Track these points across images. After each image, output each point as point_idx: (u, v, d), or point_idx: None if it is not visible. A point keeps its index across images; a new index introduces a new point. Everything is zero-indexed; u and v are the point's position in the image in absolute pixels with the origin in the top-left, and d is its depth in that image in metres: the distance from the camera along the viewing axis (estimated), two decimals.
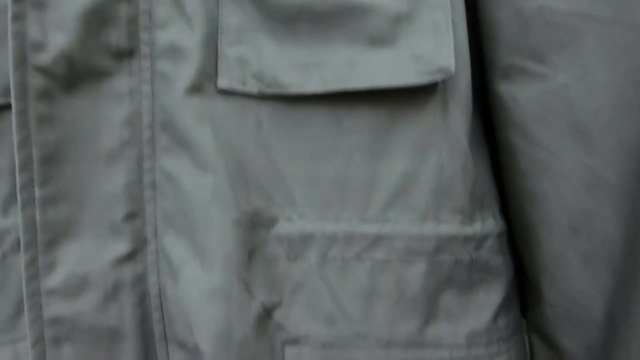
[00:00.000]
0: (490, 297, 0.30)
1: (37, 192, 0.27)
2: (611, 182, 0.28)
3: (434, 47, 0.27)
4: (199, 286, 0.28)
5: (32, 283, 0.27)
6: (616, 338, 0.29)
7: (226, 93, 0.29)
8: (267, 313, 0.29)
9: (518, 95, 0.29)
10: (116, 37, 0.28)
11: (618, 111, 0.27)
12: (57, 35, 0.27)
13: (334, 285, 0.29)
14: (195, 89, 0.28)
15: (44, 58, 0.27)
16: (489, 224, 0.31)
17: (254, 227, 0.29)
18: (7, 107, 0.29)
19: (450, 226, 0.29)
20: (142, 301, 0.29)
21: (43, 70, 0.27)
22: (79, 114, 0.28)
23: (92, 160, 0.28)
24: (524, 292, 0.35)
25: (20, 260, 0.28)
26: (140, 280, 0.29)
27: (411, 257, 0.29)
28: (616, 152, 0.27)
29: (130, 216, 0.29)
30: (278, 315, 0.29)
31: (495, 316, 0.30)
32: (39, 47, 0.27)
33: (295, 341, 0.29)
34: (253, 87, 0.28)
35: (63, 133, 0.27)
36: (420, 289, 0.29)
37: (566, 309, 0.30)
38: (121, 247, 0.29)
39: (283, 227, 0.29)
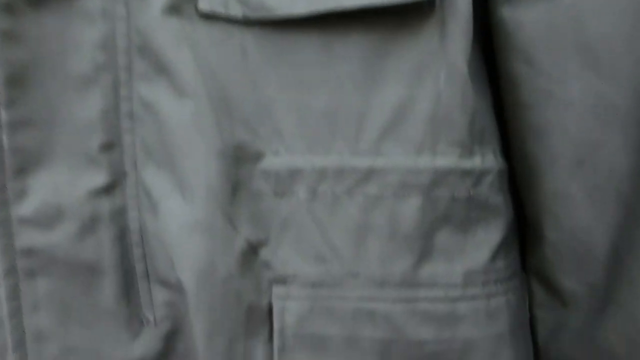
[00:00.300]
0: (488, 237, 0.29)
1: (4, 115, 0.25)
2: (620, 108, 0.26)
3: None
4: (180, 219, 0.26)
5: (2, 210, 0.26)
6: (621, 273, 0.27)
7: (208, 17, 0.26)
8: (252, 250, 0.28)
9: (522, 18, 0.27)
10: None
11: (630, 31, 0.25)
12: None
13: (324, 222, 0.28)
14: (174, 9, 0.26)
15: None
16: (488, 159, 0.29)
17: (239, 161, 0.27)
18: None
19: (447, 159, 0.27)
20: (121, 236, 0.28)
21: None
22: (47, 32, 0.26)
23: (63, 84, 0.26)
24: (524, 237, 0.34)
25: None
26: (119, 214, 0.28)
27: (405, 191, 0.27)
28: (627, 76, 0.25)
29: (107, 146, 0.27)
30: (264, 253, 0.28)
31: (494, 256, 0.29)
32: None
33: (282, 280, 0.28)
34: (237, 10, 0.26)
35: (30, 52, 0.26)
36: (414, 225, 0.27)
37: (569, 247, 0.29)
38: (98, 178, 0.27)
39: (270, 162, 0.28)
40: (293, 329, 0.28)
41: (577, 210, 0.28)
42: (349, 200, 0.28)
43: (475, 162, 0.28)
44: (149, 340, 0.29)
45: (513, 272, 0.31)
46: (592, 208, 0.27)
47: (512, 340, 0.29)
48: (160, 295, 0.29)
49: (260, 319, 0.28)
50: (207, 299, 0.26)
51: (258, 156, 0.28)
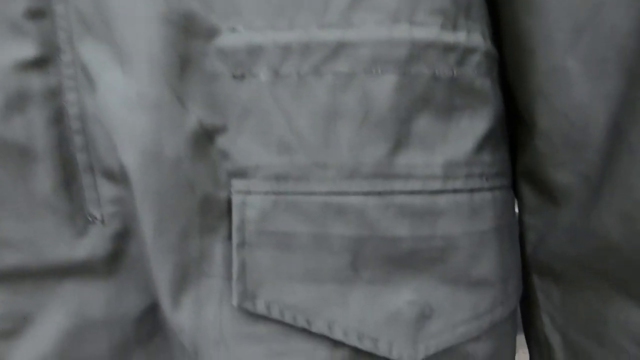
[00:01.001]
0: (473, 125, 0.26)
1: None
2: None
3: None
4: (120, 95, 0.23)
5: None
6: (621, 143, 0.24)
7: None
8: (207, 136, 0.25)
9: None
10: None
11: None
12: None
13: (289, 106, 0.25)
14: None
15: None
16: (475, 37, 0.25)
17: (188, 33, 0.24)
18: None
19: (427, 30, 0.24)
20: (57, 120, 0.25)
21: None
22: None
23: None
24: (514, 141, 0.31)
25: None
26: (53, 94, 0.25)
27: (379, 66, 0.24)
28: None
29: (34, 13, 0.24)
30: (222, 141, 0.25)
31: (479, 148, 0.26)
32: None
33: (243, 173, 0.25)
34: None
35: None
36: (389, 107, 0.24)
37: (563, 133, 0.26)
38: (25, 49, 0.24)
39: (226, 39, 0.24)
40: (255, 225, 0.25)
41: (573, 87, 0.25)
42: (316, 80, 0.24)
43: (460, 37, 0.25)
44: (96, 240, 0.26)
45: (501, 171, 0.28)
46: (591, 80, 0.24)
47: (497, 240, 0.27)
48: (107, 190, 0.26)
49: (217, 213, 0.25)
50: (154, 183, 0.23)
51: (212, 32, 0.24)
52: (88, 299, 0.26)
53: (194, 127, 0.24)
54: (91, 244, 0.26)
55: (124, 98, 0.23)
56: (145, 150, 0.23)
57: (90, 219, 0.26)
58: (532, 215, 0.30)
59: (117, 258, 0.27)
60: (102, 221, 0.26)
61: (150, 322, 0.28)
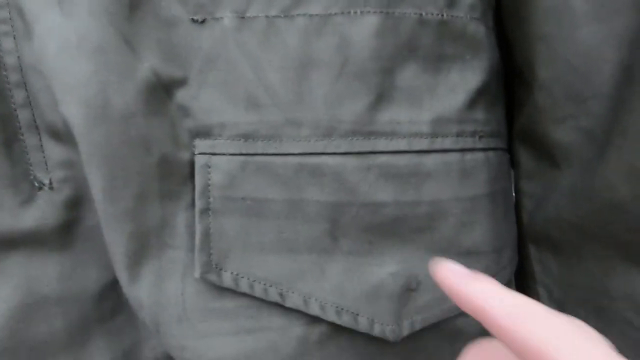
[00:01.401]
0: (465, 78, 0.23)
1: None
2: None
3: None
4: (58, 37, 0.20)
5: None
6: (631, 96, 0.21)
7: None
8: (164, 89, 0.22)
9: None
10: None
11: None
12: None
13: (257, 55, 0.22)
14: None
15: None
16: None
17: None
18: None
19: None
20: None
21: None
22: None
23: None
24: (510, 103, 0.28)
25: None
26: None
27: (358, 6, 0.21)
28: None
29: None
30: (182, 96, 0.22)
31: (472, 103, 0.23)
32: None
33: (207, 132, 0.22)
34: None
35: None
36: (370, 55, 0.21)
37: (565, 84, 0.23)
38: None
39: None
40: (220, 190, 0.22)
41: (578, 28, 0.22)
42: (287, 24, 0.21)
43: None
44: (45, 208, 0.24)
45: (496, 130, 0.25)
46: (598, 21, 0.21)
47: (490, 206, 0.24)
48: (55, 151, 0.23)
49: (179, 177, 0.23)
50: (101, 140, 0.21)
51: None
52: (38, 274, 0.24)
53: (146, 76, 0.21)
54: (39, 213, 0.23)
55: (63, 42, 0.20)
56: (90, 102, 0.20)
57: (37, 184, 0.23)
58: (529, 180, 0.27)
59: (70, 228, 0.24)
60: (51, 187, 0.24)
61: (112, 299, 0.26)
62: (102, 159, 0.21)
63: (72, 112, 0.20)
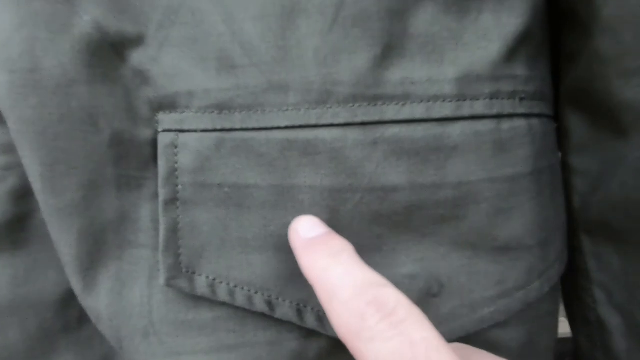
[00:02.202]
0: (501, 22, 0.18)
1: None
2: None
3: None
4: None
5: None
6: None
7: None
8: (113, 49, 0.17)
9: None
10: None
11: None
12: None
13: (230, 2, 0.17)
14: None
15: None
16: None
17: None
18: None
19: None
20: None
21: None
22: None
23: None
24: (557, 52, 0.23)
25: None
26: None
27: None
28: None
29: None
30: (138, 58, 0.18)
31: (510, 54, 0.18)
32: None
33: (172, 103, 0.18)
34: None
35: None
36: None
37: (638, 23, 0.18)
38: None
39: None
40: (191, 175, 0.18)
41: None
42: None
43: None
44: None
45: (541, 91, 0.20)
46: None
47: (533, 188, 0.19)
48: None
49: (139, 160, 0.18)
50: (33, 115, 0.16)
51: None
52: None
53: (87, 32, 0.17)
54: None
55: None
56: (14, 66, 0.16)
57: None
58: (583, 153, 0.22)
59: (21, 223, 0.20)
60: None
61: (78, 305, 0.22)
62: (37, 137, 0.17)
63: None
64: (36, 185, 0.17)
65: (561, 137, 0.23)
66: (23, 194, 0.20)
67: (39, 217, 0.21)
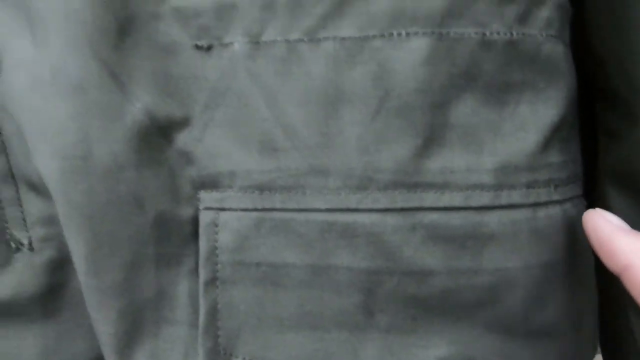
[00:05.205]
0: (538, 113, 0.18)
1: None
2: None
3: None
4: (29, 71, 0.16)
5: None
6: None
7: None
8: (161, 132, 0.18)
9: None
10: None
11: None
12: None
13: (274, 88, 0.18)
14: None
15: None
16: None
17: None
18: None
19: None
20: None
21: None
22: None
23: None
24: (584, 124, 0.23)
25: None
26: None
27: (403, 26, 0.16)
28: None
29: None
30: (183, 139, 0.18)
31: (546, 145, 0.18)
32: None
33: (214, 182, 0.18)
34: None
35: None
36: (417, 87, 0.17)
37: None
38: None
39: None
40: (230, 253, 0.18)
41: None
42: (312, 50, 0.17)
43: None
44: (24, 272, 0.20)
45: (573, 174, 0.20)
46: None
47: (568, 274, 0.19)
48: (35, 205, 0.20)
49: (179, 238, 0.19)
50: (81, 200, 0.17)
51: None
52: (15, 350, 0.20)
53: (139, 120, 0.17)
54: (16, 279, 0.20)
55: (34, 78, 0.16)
56: (67, 153, 0.16)
57: (13, 245, 0.20)
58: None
59: (54, 294, 0.20)
60: (31, 247, 0.20)
61: None
62: (84, 221, 0.17)
63: (47, 164, 0.16)
64: (80, 266, 0.17)
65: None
66: (58, 265, 0.20)
67: (71, 286, 0.21)
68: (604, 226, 0.16)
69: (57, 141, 0.16)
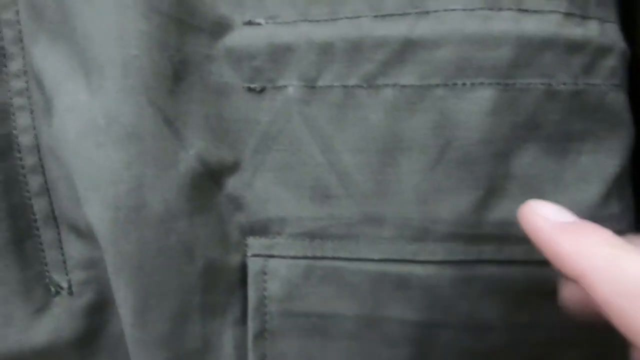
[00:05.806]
0: (599, 163, 0.18)
1: None
2: None
3: None
4: (82, 117, 0.16)
5: None
6: None
7: None
8: (211, 177, 0.17)
9: None
10: None
11: None
12: None
13: (329, 134, 0.17)
14: None
15: None
16: (610, 30, 0.17)
17: (184, 28, 0.16)
18: None
19: (543, 20, 0.16)
20: (3, 154, 0.18)
21: None
22: None
23: None
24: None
25: None
26: None
27: (468, 77, 0.16)
28: None
29: None
30: (233, 184, 0.18)
31: (607, 195, 0.18)
32: None
33: (263, 229, 0.18)
34: None
35: None
36: (481, 137, 0.16)
37: None
38: None
39: (240, 37, 0.17)
40: (280, 304, 0.18)
41: None
42: (370, 97, 0.17)
43: (591, 29, 0.16)
44: (62, 317, 0.19)
45: (630, 223, 0.20)
46: None
47: None
48: (76, 248, 0.19)
49: (226, 286, 0.18)
50: (132, 251, 0.16)
51: (220, 27, 0.17)
52: None
53: (192, 167, 0.17)
54: (54, 323, 0.19)
55: (87, 124, 0.16)
56: (120, 203, 0.16)
57: (53, 289, 0.19)
58: None
59: (91, 338, 0.20)
60: (70, 291, 0.19)
61: None
62: (134, 272, 0.16)
63: (98, 214, 0.16)
64: (127, 318, 0.17)
65: None
66: (97, 309, 0.20)
67: (109, 330, 0.20)
68: (542, 225, 0.14)
69: (110, 191, 0.16)
